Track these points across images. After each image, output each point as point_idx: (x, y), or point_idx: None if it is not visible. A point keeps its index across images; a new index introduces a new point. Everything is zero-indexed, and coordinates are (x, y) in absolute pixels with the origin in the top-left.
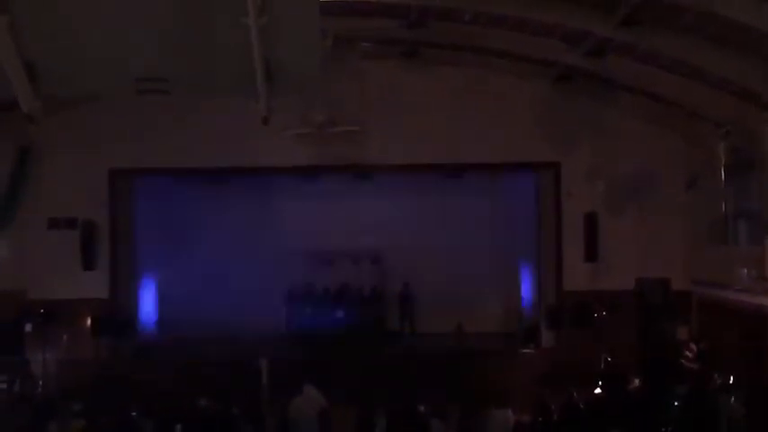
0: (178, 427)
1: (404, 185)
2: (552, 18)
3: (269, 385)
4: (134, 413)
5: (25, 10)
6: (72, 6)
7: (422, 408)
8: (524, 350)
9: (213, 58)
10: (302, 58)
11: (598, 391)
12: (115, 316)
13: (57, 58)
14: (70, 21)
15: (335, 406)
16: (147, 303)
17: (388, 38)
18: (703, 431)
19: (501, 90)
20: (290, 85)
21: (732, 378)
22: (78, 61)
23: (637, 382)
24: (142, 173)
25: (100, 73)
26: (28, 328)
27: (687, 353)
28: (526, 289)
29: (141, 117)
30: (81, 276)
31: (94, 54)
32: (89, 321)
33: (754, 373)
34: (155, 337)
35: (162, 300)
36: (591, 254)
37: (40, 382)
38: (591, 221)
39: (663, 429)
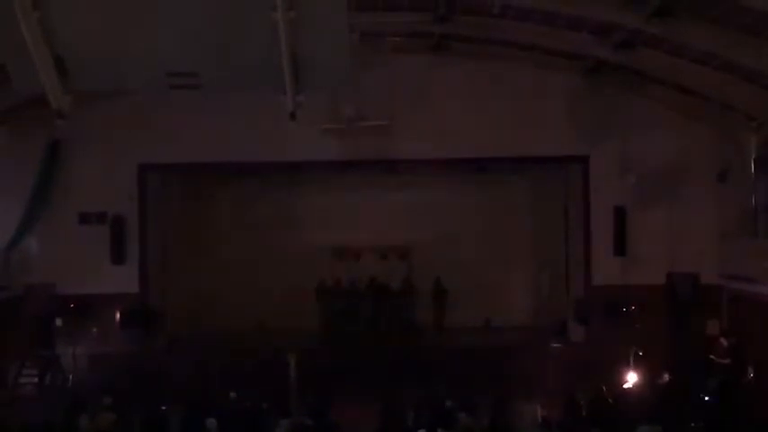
0: (207, 420)
1: (432, 179)
2: (581, 11)
3: (297, 380)
4: (163, 407)
5: (55, 4)
6: (102, 1)
7: (449, 402)
8: (553, 344)
9: (242, 52)
10: (330, 52)
11: (627, 385)
12: (144, 310)
13: (86, 53)
14: (100, 15)
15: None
16: (177, 297)
17: (417, 32)
18: (734, 426)
19: (530, 84)
20: (318, 80)
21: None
22: (108, 56)
23: (666, 376)
24: (172, 168)
25: (130, 68)
26: (58, 322)
27: (717, 347)
28: (555, 283)
29: (171, 112)
30: (111, 271)
31: (125, 49)
32: (118, 315)
33: None
34: (184, 330)
35: (190, 294)
36: (620, 248)
37: (70, 376)
38: (620, 215)
39: (693, 424)
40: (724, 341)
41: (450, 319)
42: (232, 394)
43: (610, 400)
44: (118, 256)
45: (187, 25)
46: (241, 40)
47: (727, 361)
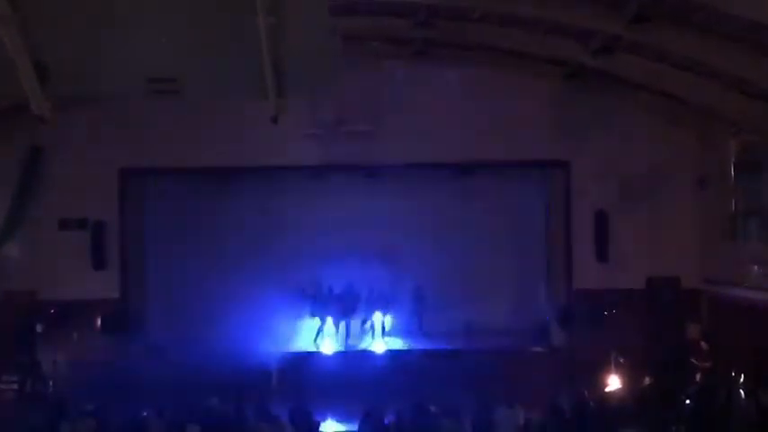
0: (189, 426)
1: (414, 184)
2: (562, 16)
3: (280, 385)
4: (145, 413)
5: (36, 9)
6: (84, 6)
7: (432, 407)
8: (535, 349)
9: (224, 58)
10: (312, 57)
11: (609, 389)
12: (125, 316)
13: (68, 58)
14: (82, 21)
15: None
16: (158, 303)
17: (399, 37)
18: (714, 429)
19: (511, 89)
20: (300, 85)
21: (743, 376)
22: (90, 62)
23: (648, 380)
24: (152, 173)
25: (111, 73)
26: (39, 328)
27: (698, 351)
28: (537, 288)
29: (152, 117)
30: (91, 276)
31: (105, 55)
32: (99, 321)
33: (765, 370)
34: (165, 336)
35: (172, 299)
36: (601, 252)
37: (51, 383)
38: (601, 220)
39: (674, 428)
40: (704, 344)
41: (431, 324)
42: (214, 400)
43: (592, 404)
44: (98, 262)
45: (168, 31)
46: (223, 45)
47: (707, 364)
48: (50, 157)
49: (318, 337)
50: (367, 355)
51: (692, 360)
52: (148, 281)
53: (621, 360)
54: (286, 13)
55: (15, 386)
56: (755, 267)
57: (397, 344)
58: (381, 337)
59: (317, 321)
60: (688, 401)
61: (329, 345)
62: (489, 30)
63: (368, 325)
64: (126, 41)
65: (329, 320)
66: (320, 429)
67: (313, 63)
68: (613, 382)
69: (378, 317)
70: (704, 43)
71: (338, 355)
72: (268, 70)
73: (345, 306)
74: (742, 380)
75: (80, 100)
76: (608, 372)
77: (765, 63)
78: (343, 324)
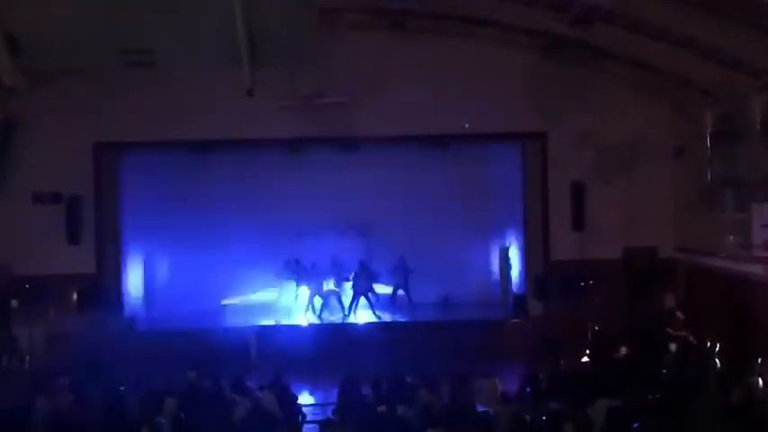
0: (166, 400)
1: (391, 157)
2: None
3: (258, 358)
4: (122, 387)
5: None
6: None
7: (409, 378)
8: (512, 320)
9: (198, 28)
10: (288, 27)
11: (586, 359)
12: (102, 290)
13: (39, 31)
14: None
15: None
16: (134, 278)
17: (376, 8)
18: (690, 398)
19: (488, 60)
20: (276, 57)
21: (718, 344)
22: (61, 34)
23: (624, 350)
24: (127, 146)
25: (83, 46)
26: (14, 303)
27: (674, 320)
28: (514, 259)
29: (127, 89)
30: (67, 251)
31: (78, 26)
32: (75, 296)
33: (740, 339)
34: (142, 311)
35: (149, 274)
36: (578, 223)
37: (28, 358)
38: (578, 190)
39: (650, 397)
40: (680, 314)
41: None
42: (191, 374)
43: (568, 374)
44: (73, 236)
45: (142, 1)
46: (196, 14)
47: (683, 333)
48: (23, 130)
49: (306, 310)
50: (346, 327)
51: (668, 330)
52: (125, 255)
53: (597, 330)
54: None
55: None
56: (731, 237)
57: (377, 316)
58: (366, 309)
59: (300, 295)
60: (664, 371)
61: (312, 318)
62: (467, 1)
63: (350, 297)
64: (98, 12)
65: (311, 293)
66: (298, 402)
67: (289, 34)
68: (590, 352)
69: (353, 289)
70: (679, 12)
71: (318, 327)
72: (243, 41)
73: (328, 279)
74: (717, 348)
75: (53, 72)
76: (584, 342)
77: (741, 32)
78: (325, 297)
